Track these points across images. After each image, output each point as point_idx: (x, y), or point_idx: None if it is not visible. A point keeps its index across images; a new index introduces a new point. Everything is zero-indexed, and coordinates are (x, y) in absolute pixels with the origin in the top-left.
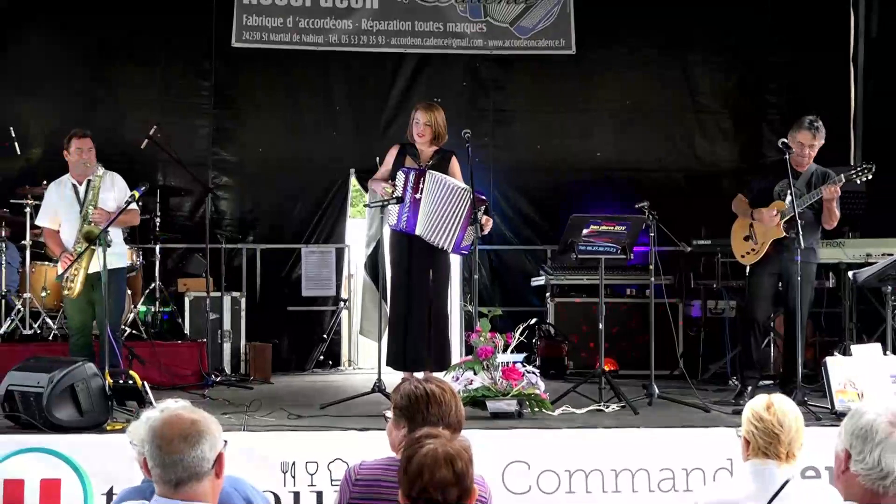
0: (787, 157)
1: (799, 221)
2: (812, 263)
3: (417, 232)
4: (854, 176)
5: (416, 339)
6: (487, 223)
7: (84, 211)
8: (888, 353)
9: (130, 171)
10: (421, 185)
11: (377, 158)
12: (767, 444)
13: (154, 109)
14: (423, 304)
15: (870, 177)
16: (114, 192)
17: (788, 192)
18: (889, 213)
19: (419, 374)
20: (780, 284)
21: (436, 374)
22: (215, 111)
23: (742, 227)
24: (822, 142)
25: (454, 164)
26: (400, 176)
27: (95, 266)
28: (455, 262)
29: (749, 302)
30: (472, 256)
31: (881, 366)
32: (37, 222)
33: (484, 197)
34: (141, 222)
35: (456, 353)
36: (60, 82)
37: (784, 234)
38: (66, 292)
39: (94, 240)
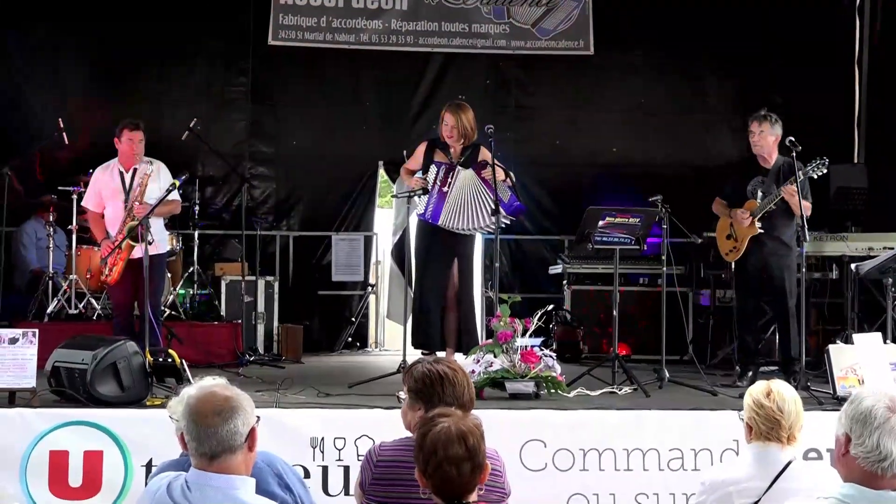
0: (794, 154)
1: (804, 215)
2: (790, 256)
3: (440, 222)
4: (811, 171)
5: (433, 322)
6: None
7: (130, 204)
8: (888, 341)
9: (171, 161)
10: (450, 180)
11: (404, 152)
12: (769, 429)
13: (194, 104)
14: (442, 290)
15: (824, 171)
16: (159, 182)
17: (759, 189)
18: (890, 208)
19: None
20: (763, 276)
21: (457, 357)
22: (252, 106)
23: (724, 227)
24: (776, 134)
25: (483, 151)
26: (433, 169)
27: (139, 252)
28: (478, 250)
29: (738, 295)
30: (494, 246)
31: (881, 354)
32: (82, 204)
33: (518, 203)
34: (181, 210)
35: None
36: (108, 79)
37: (759, 230)
38: (103, 278)
39: (135, 237)
